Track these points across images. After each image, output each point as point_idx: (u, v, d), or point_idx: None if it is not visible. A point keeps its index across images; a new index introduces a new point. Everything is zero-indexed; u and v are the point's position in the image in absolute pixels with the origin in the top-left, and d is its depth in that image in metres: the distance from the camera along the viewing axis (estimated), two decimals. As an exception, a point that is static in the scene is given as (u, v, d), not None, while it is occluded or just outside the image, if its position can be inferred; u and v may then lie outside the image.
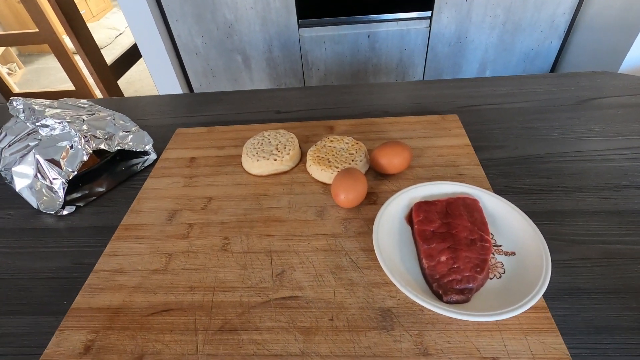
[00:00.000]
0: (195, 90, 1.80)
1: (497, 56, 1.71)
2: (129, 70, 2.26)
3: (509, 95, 0.68)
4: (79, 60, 1.97)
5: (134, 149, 0.59)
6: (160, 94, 1.81)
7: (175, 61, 1.74)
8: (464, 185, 0.45)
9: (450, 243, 0.39)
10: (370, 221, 0.44)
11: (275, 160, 0.52)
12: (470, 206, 0.42)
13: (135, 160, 0.61)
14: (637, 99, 0.64)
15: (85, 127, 0.55)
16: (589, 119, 0.60)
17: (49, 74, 2.94)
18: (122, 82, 2.63)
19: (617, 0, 1.32)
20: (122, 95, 2.07)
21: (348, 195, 0.44)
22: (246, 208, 0.48)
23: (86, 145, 0.54)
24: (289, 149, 0.53)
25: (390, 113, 0.66)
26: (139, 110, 0.75)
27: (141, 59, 1.96)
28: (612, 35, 1.36)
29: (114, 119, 0.62)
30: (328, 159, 0.51)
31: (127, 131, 0.61)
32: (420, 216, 0.42)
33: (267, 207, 0.48)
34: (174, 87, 1.77)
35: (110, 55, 2.10)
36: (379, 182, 0.50)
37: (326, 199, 0.48)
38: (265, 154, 0.52)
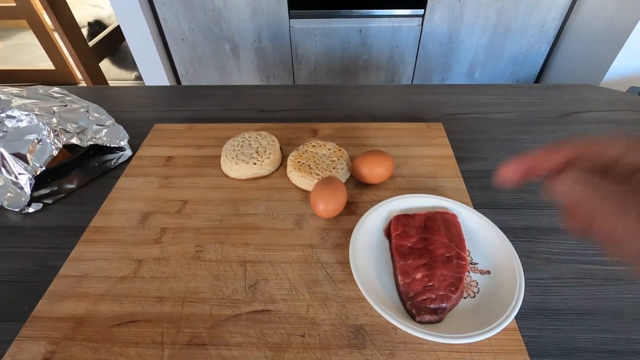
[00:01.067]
0: (181, 78, 1.75)
1: (486, 58, 1.72)
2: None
3: (494, 104, 0.68)
4: (59, 39, 1.89)
5: (108, 145, 0.57)
6: (145, 79, 1.75)
7: (161, 46, 1.68)
8: (444, 199, 0.45)
9: (427, 259, 0.38)
10: (349, 232, 0.44)
11: (254, 164, 0.50)
12: (449, 221, 0.42)
13: (109, 156, 0.58)
14: (618, 114, 0.65)
15: (55, 120, 0.53)
16: (570, 133, 0.61)
17: (28, 50, 2.81)
18: (105, 65, 2.54)
19: (605, 11, 1.33)
20: (104, 77, 1.99)
21: (327, 205, 0.43)
22: (222, 213, 0.47)
23: (56, 140, 0.52)
24: (270, 153, 0.52)
25: (377, 117, 0.65)
26: (117, 101, 0.72)
27: (125, 42, 1.89)
28: (598, 45, 1.38)
29: (87, 112, 0.59)
30: (309, 165, 0.49)
31: (101, 125, 0.58)
32: (399, 230, 0.41)
33: (244, 214, 0.46)
34: (159, 73, 1.71)
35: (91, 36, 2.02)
36: (359, 191, 0.49)
37: (305, 206, 0.47)
38: (244, 157, 0.51)
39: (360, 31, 1.59)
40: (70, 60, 2.04)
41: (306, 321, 0.36)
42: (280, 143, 0.57)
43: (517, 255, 0.38)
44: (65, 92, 0.65)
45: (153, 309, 0.37)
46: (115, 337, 0.35)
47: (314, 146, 0.52)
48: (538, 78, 1.82)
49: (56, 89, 0.64)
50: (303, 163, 0.50)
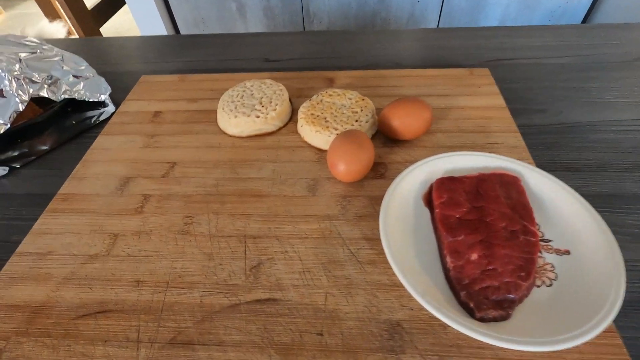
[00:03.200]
0: (184, 41, 1.63)
1: (518, 13, 1.54)
2: (116, 19, 2.06)
3: (547, 47, 0.56)
4: (58, 6, 1.78)
5: (87, 99, 0.48)
6: (145, 43, 1.64)
7: (163, 7, 1.56)
8: (500, 157, 0.34)
9: (484, 235, 0.29)
10: (377, 200, 0.34)
11: (257, 117, 0.41)
12: (509, 185, 0.32)
13: (89, 113, 0.49)
14: None
15: (17, 67, 0.44)
16: (648, 80, 0.48)
17: (32, 20, 2.72)
18: (109, 32, 2.43)
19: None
20: (106, 45, 1.89)
21: (349, 165, 0.33)
22: (218, 177, 0.38)
23: (19, 91, 0.43)
24: (276, 104, 0.42)
25: (403, 65, 0.54)
26: (101, 53, 0.62)
27: (126, 6, 1.78)
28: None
29: (62, 60, 0.50)
30: (325, 118, 0.40)
31: (78, 76, 0.49)
32: (444, 197, 0.32)
33: (245, 177, 0.37)
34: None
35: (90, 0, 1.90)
36: (388, 149, 0.39)
37: (321, 169, 0.38)
38: (245, 110, 0.41)
39: (378, -17, 1.43)
40: (72, 27, 1.94)
41: (324, 314, 0.27)
42: (290, 95, 0.47)
43: (607, 228, 0.28)
44: (43, 41, 0.55)
45: (128, 297, 0.29)
46: (79, 332, 0.27)
47: (330, 95, 0.42)
48: (596, 24, 1.63)
49: (32, 37, 0.55)
50: (318, 115, 0.40)
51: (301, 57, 0.57)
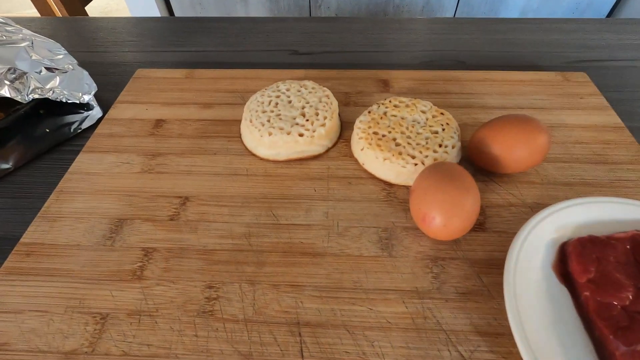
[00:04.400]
0: (179, 24, 1.49)
1: (541, 4, 1.44)
2: (102, -4, 1.89)
3: (644, 47, 0.45)
4: (36, -22, 1.60)
5: (66, 100, 0.36)
6: (136, 25, 1.49)
7: (155, -15, 1.41)
8: (656, 207, 0.24)
9: (673, 341, 0.19)
10: (481, 266, 0.24)
11: (301, 135, 0.30)
12: (681, 253, 0.22)
13: (68, 119, 0.38)
14: None
15: (-36, 56, 0.32)
16: None
17: (8, -6, 2.52)
18: (96, 12, 2.25)
19: None
20: (92, 25, 1.72)
21: (451, 220, 0.23)
22: (249, 222, 0.27)
23: (-32, 90, 0.31)
24: (324, 117, 0.31)
25: (468, 64, 0.43)
26: (84, 36, 0.50)
27: (114, -19, 1.61)
28: None
29: (31, 46, 0.38)
30: (395, 140, 0.29)
31: (52, 69, 0.37)
32: (591, 271, 0.22)
33: (288, 224, 0.27)
34: (154, 18, 1.45)
35: (74, -27, 1.73)
36: (482, 186, 0.29)
37: (393, 212, 0.27)
38: (283, 124, 0.30)
39: (396, -34, 1.31)
40: (54, 5, 1.76)
41: None
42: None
43: None
44: (8, 20, 0.43)
45: None
46: None
47: (396, 106, 0.31)
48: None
49: (-5, 16, 0.43)
50: (384, 136, 0.29)
51: (338, 49, 0.46)
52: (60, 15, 1.60)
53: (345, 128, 0.34)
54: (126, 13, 2.23)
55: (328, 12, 1.47)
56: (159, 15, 1.43)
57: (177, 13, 1.45)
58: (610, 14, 1.49)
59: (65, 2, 1.55)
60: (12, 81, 0.34)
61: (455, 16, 1.48)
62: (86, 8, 1.68)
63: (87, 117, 0.38)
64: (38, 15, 1.73)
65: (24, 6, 2.34)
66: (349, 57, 0.45)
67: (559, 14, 1.48)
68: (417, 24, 0.50)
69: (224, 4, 1.43)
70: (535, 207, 0.27)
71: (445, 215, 0.23)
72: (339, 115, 0.34)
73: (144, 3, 1.42)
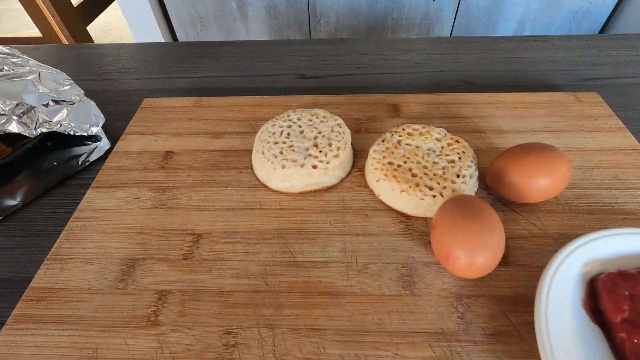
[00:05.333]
0: (181, 42, 1.50)
1: (539, 14, 1.46)
2: (105, 16, 1.91)
3: (652, 63, 0.45)
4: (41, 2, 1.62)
5: (73, 133, 0.36)
6: (138, 44, 1.51)
7: (156, 5, 1.43)
8: (686, 238, 0.24)
9: None
10: (508, 304, 0.23)
11: (315, 167, 0.29)
12: None
13: (76, 150, 0.37)
14: None
15: (-28, 94, 0.31)
16: None
17: (13, 16, 2.55)
18: (97, 30, 2.28)
19: None
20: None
21: (477, 258, 0.22)
22: (265, 260, 0.26)
23: (-24, 128, 0.31)
24: (338, 147, 0.30)
25: (476, 85, 0.43)
26: (90, 63, 0.50)
27: (115, 2, 1.63)
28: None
29: (38, 79, 0.38)
30: (411, 170, 0.28)
31: (59, 101, 0.37)
32: (624, 310, 0.21)
33: (304, 261, 0.26)
34: (156, 38, 1.47)
35: (77, -4, 1.75)
36: (502, 215, 0.28)
37: (412, 247, 0.26)
38: (296, 156, 0.30)
39: (393, -19, 1.33)
40: (56, 26, 1.78)
41: None
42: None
43: None
44: (14, 50, 0.43)
45: None
46: None
47: (410, 135, 0.31)
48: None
49: (2, 47, 0.43)
50: (399, 166, 0.29)
51: (344, 72, 0.46)
52: (62, 35, 1.61)
53: (357, 156, 0.33)
54: (127, 31, 2.25)
55: (327, 26, 1.48)
56: (160, 34, 1.44)
57: (178, 31, 1.47)
58: (606, 23, 1.51)
59: (66, 23, 1.57)
60: (19, 116, 0.34)
61: (454, 28, 1.50)
62: (88, 28, 1.70)
63: (95, 148, 0.37)
64: (39, 34, 1.75)
65: (26, 26, 2.37)
66: (355, 80, 0.44)
67: (557, 23, 1.50)
68: (422, 44, 0.50)
69: (224, 21, 1.45)
70: (559, 238, 0.26)
71: (470, 254, 0.22)
72: (352, 143, 0.34)
73: (145, 23, 1.43)
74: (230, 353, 0.22)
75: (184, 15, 1.43)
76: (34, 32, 1.97)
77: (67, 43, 1.74)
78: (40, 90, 0.37)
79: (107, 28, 2.33)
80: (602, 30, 1.50)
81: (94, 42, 1.75)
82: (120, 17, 2.32)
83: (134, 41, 1.51)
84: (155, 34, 1.46)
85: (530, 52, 0.47)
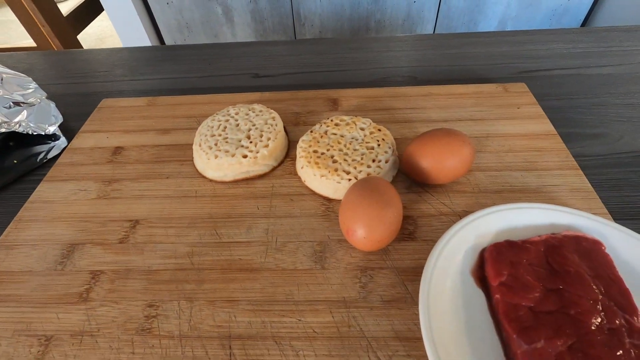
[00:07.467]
0: (167, 48, 1.53)
1: (520, 12, 1.48)
2: (100, 25, 1.95)
3: (591, 54, 0.47)
4: (30, 11, 1.66)
5: (32, 132, 0.38)
6: (126, 51, 1.53)
7: (144, 12, 1.46)
8: (572, 211, 0.26)
9: (573, 338, 0.20)
10: (408, 274, 0.25)
11: (245, 157, 0.31)
12: (590, 255, 0.24)
13: (36, 149, 0.40)
14: None
15: None
16: None
17: (8, 27, 2.59)
18: (91, 39, 2.31)
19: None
20: (84, 53, 1.77)
21: (372, 232, 0.24)
22: (193, 242, 0.28)
23: None
24: (268, 139, 0.33)
25: (420, 79, 0.45)
26: (59, 68, 0.52)
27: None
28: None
29: (0, 82, 0.41)
30: (332, 157, 0.31)
31: (20, 103, 0.40)
32: (504, 275, 0.23)
33: (229, 242, 0.28)
34: (144, 44, 1.50)
35: (66, 6, 1.79)
36: (415, 197, 0.30)
37: (329, 227, 0.29)
38: (229, 147, 0.32)
39: (373, -17, 1.36)
40: (47, 35, 1.82)
41: None
42: (285, 122, 0.38)
43: None
44: (-18, 58, 0.46)
45: None
46: None
47: (337, 125, 0.33)
48: None
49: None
50: (322, 154, 0.31)
51: (296, 70, 0.48)
52: (53, 44, 1.65)
53: (292, 147, 0.35)
54: (118, 40, 2.29)
55: (312, 30, 1.51)
56: (148, 41, 1.47)
57: (166, 37, 1.50)
58: (586, 19, 1.53)
59: (57, 32, 1.61)
60: (-21, 117, 0.36)
61: (436, 28, 1.52)
62: (83, 37, 1.73)
63: (53, 147, 0.40)
64: (34, 45, 1.79)
65: (21, 37, 2.41)
66: (305, 78, 0.47)
67: (537, 20, 1.52)
68: (376, 43, 0.53)
69: (211, 27, 1.48)
70: (465, 215, 0.28)
71: (367, 229, 0.24)
72: (288, 134, 0.36)
73: (134, 30, 1.46)
74: (150, 323, 0.24)
75: (171, 22, 1.46)
76: (28, 42, 2.01)
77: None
78: (1, 94, 0.39)
79: (101, 36, 2.37)
80: (582, 26, 1.53)
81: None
82: (112, 26, 2.37)
83: (122, 48, 1.54)
84: (144, 41, 1.49)
85: (475, 48, 0.50)
